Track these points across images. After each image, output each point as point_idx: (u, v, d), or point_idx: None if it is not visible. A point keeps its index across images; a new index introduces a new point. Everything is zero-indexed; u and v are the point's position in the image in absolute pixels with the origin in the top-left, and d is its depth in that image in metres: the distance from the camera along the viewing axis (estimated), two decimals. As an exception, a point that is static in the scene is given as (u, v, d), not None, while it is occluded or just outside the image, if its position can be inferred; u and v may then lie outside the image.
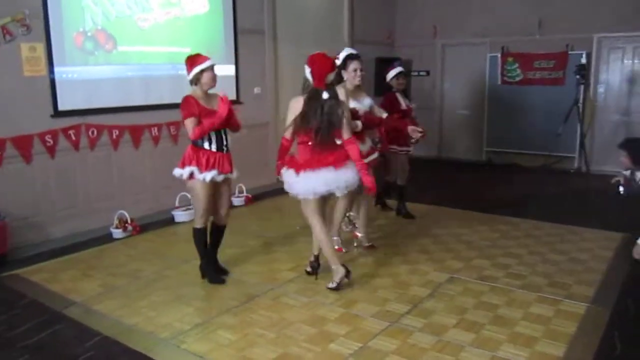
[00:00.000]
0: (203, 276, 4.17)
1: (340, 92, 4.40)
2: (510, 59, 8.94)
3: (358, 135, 4.51)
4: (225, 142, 3.97)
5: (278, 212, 6.16)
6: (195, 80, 3.88)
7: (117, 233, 5.33)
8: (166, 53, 6.17)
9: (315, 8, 8.42)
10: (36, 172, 5.13)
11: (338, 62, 4.50)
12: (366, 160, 4.52)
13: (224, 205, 4.14)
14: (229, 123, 3.96)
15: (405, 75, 5.64)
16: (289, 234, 5.30)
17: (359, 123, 4.43)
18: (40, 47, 5.07)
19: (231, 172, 4.03)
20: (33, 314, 3.67)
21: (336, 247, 4.72)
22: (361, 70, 4.51)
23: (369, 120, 4.56)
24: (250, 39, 7.15)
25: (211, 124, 3.81)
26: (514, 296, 3.83)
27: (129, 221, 5.41)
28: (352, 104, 4.40)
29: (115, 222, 5.39)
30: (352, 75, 4.47)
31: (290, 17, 7.86)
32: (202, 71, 3.84)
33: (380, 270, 4.36)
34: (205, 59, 3.89)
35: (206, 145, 3.90)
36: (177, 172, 3.93)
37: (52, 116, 5.21)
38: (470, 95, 9.60)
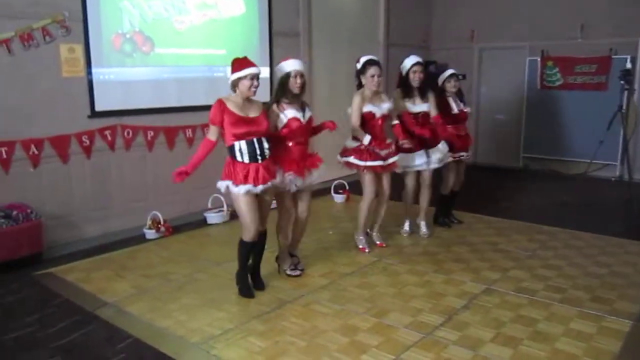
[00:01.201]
0: (237, 283, 4.03)
1: (356, 99, 4.57)
2: (550, 63, 8.70)
3: (378, 136, 4.63)
4: (259, 152, 3.72)
5: (310, 216, 6.09)
6: (234, 86, 3.73)
7: (150, 234, 5.36)
8: (202, 55, 6.19)
9: (350, 11, 8.36)
10: (72, 172, 5.20)
11: (359, 65, 4.62)
12: (385, 163, 4.65)
13: (262, 210, 3.94)
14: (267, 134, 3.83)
15: (458, 77, 5.46)
16: (321, 239, 5.25)
17: (367, 137, 4.51)
18: (79, 49, 5.14)
19: (272, 179, 3.81)
20: (66, 313, 3.70)
21: (360, 246, 4.90)
22: (379, 76, 4.55)
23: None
24: (285, 42, 7.12)
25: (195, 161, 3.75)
26: (553, 310, 3.68)
27: (162, 222, 5.43)
28: (369, 108, 4.58)
29: (149, 222, 5.42)
30: (369, 81, 4.55)
31: (326, 20, 7.82)
32: (239, 79, 3.68)
33: (414, 279, 4.26)
34: (248, 65, 3.68)
35: (238, 157, 3.70)
36: (219, 184, 3.78)
37: (89, 117, 5.28)
38: (507, 99, 9.37)
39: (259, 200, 3.83)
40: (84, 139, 5.23)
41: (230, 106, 3.69)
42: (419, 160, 5.09)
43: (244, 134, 3.67)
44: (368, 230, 5.14)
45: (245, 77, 3.66)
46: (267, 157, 3.79)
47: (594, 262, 4.62)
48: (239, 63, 3.71)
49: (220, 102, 3.70)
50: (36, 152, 4.91)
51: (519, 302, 3.81)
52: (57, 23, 4.95)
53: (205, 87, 6.15)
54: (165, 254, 4.91)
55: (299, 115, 4.04)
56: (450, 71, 5.44)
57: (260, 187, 3.73)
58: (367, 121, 4.59)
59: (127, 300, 3.90)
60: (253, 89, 3.70)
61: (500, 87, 9.46)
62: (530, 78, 8.94)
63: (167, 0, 5.79)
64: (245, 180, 3.68)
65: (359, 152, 4.60)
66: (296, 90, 4.04)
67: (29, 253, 4.60)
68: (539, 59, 8.79)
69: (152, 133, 5.77)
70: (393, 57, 8.91)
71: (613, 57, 8.11)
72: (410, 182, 5.21)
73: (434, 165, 5.17)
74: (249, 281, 4.04)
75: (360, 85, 4.67)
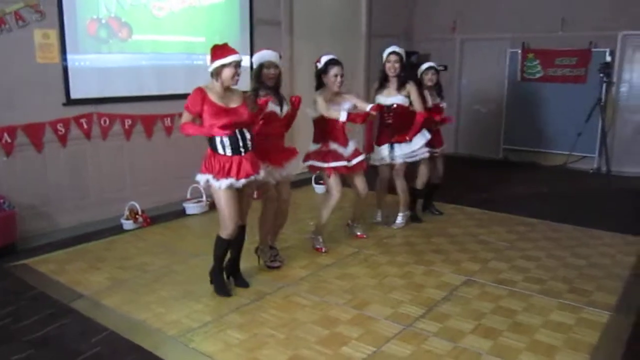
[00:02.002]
0: (211, 282, 3.87)
1: (318, 99, 4.38)
2: (530, 55, 8.73)
3: (339, 136, 4.46)
4: (242, 143, 3.55)
5: (291, 206, 6.04)
6: (216, 75, 3.53)
7: (128, 224, 5.27)
8: (181, 42, 6.08)
9: (332, 0, 8.28)
10: (47, 161, 5.08)
11: (319, 65, 4.45)
12: (350, 164, 4.48)
13: (244, 206, 3.84)
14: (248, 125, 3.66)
15: (437, 70, 5.38)
16: (301, 230, 5.20)
17: (344, 112, 4.29)
18: (54, 34, 5.00)
19: (255, 173, 3.63)
20: (40, 306, 3.61)
21: (317, 246, 4.67)
22: (342, 76, 4.40)
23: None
24: (266, 30, 7.03)
25: (196, 131, 3.47)
26: (533, 302, 3.70)
27: (139, 212, 5.34)
28: (333, 108, 4.39)
29: (126, 213, 5.33)
30: (331, 81, 4.39)
31: (307, 9, 7.73)
32: (222, 66, 3.48)
33: (394, 270, 4.25)
34: (231, 52, 3.50)
35: (219, 149, 3.52)
36: (198, 177, 3.60)
37: (64, 104, 5.15)
38: (488, 91, 9.40)
39: (239, 195, 3.67)
40: (59, 127, 5.11)
41: (212, 96, 3.50)
42: (384, 153, 5.05)
43: (226, 126, 3.45)
44: (349, 221, 5.10)
45: (229, 64, 3.48)
46: (249, 149, 3.62)
47: (573, 254, 4.65)
48: (221, 50, 3.52)
49: (201, 91, 3.50)
50: (9, 140, 4.77)
51: (498, 294, 3.82)
52: (31, 7, 4.80)
53: (185, 75, 6.05)
54: (142, 245, 4.82)
55: (276, 109, 3.97)
56: (428, 64, 5.39)
57: (242, 182, 3.55)
58: (328, 122, 4.40)
59: (102, 293, 3.82)
60: (236, 78, 3.54)
61: (481, 78, 9.48)
62: (511, 70, 8.97)
63: (146, -15, 5.67)
64: (227, 174, 3.51)
65: (321, 154, 4.48)
66: (269, 82, 3.95)
67: (2, 244, 4.48)
68: (519, 51, 8.82)
69: (129, 122, 5.65)
70: (375, 48, 8.85)
71: (593, 50, 8.16)
72: (382, 173, 5.21)
73: (399, 160, 5.05)
74: (225, 279, 3.90)
75: (319, 86, 4.50)
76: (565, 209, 6.12)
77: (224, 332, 3.26)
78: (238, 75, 3.55)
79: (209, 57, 3.58)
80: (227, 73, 3.50)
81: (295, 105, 4.17)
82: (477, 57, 9.54)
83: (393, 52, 4.96)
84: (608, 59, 7.94)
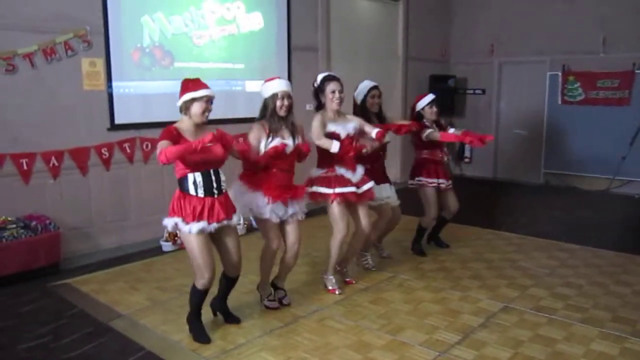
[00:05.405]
0: (190, 330, 3.53)
1: (315, 123, 4.01)
2: (571, 78, 8.60)
3: (345, 160, 4.06)
4: (215, 184, 3.28)
5: (324, 230, 6.02)
6: (185, 109, 3.28)
7: (167, 246, 5.38)
8: (220, 69, 6.24)
9: (369, 25, 8.38)
10: (91, 184, 5.26)
11: (316, 84, 4.13)
12: (360, 190, 4.09)
13: (231, 255, 3.48)
14: (223, 160, 3.37)
15: (438, 104, 5.00)
16: (336, 254, 5.19)
17: (336, 143, 3.92)
18: (100, 62, 5.22)
19: (228, 218, 3.35)
20: (79, 325, 3.71)
21: (330, 287, 4.31)
22: (340, 92, 4.03)
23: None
24: (303, 56, 7.16)
25: (179, 151, 3.05)
26: (573, 330, 3.59)
27: (178, 234, 5.44)
28: (333, 128, 4.02)
29: (165, 235, 5.44)
30: (329, 98, 4.03)
31: (344, 35, 7.84)
32: (193, 100, 3.23)
33: (430, 296, 4.19)
34: (203, 87, 3.27)
35: (191, 189, 3.22)
36: (165, 222, 3.33)
37: (108, 129, 5.35)
38: (528, 114, 9.28)
39: (223, 246, 3.45)
40: (103, 152, 5.30)
41: (185, 134, 3.24)
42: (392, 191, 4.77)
43: (199, 164, 3.22)
44: (337, 266, 4.43)
45: (200, 98, 3.23)
46: (223, 191, 3.36)
47: (616, 281, 4.50)
48: (193, 83, 3.29)
49: (174, 129, 3.23)
50: (56, 163, 4.98)
51: (537, 321, 3.73)
52: (79, 37, 5.04)
53: (224, 101, 6.16)
54: (180, 266, 4.91)
55: (286, 142, 3.71)
56: (431, 96, 4.99)
57: (214, 225, 3.27)
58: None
59: (141, 313, 3.90)
60: (207, 114, 3.29)
61: (520, 101, 9.38)
62: (551, 93, 8.84)
63: (187, 15, 5.87)
64: (198, 217, 3.22)
65: (327, 180, 4.04)
66: (282, 113, 3.71)
67: (46, 263, 4.64)
68: (560, 74, 8.69)
69: (170, 146, 5.80)
70: (412, 71, 8.90)
71: (636, 71, 7.98)
72: (386, 215, 4.77)
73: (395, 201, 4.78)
74: (202, 325, 3.52)
75: (319, 107, 4.15)
76: (608, 234, 5.94)
77: (257, 354, 3.28)
78: (209, 111, 3.31)
79: (179, 91, 3.33)
80: (196, 108, 3.25)
81: (304, 150, 3.85)
82: (515, 80, 9.45)
83: (376, 87, 4.59)
84: (653, 80, 7.75)
